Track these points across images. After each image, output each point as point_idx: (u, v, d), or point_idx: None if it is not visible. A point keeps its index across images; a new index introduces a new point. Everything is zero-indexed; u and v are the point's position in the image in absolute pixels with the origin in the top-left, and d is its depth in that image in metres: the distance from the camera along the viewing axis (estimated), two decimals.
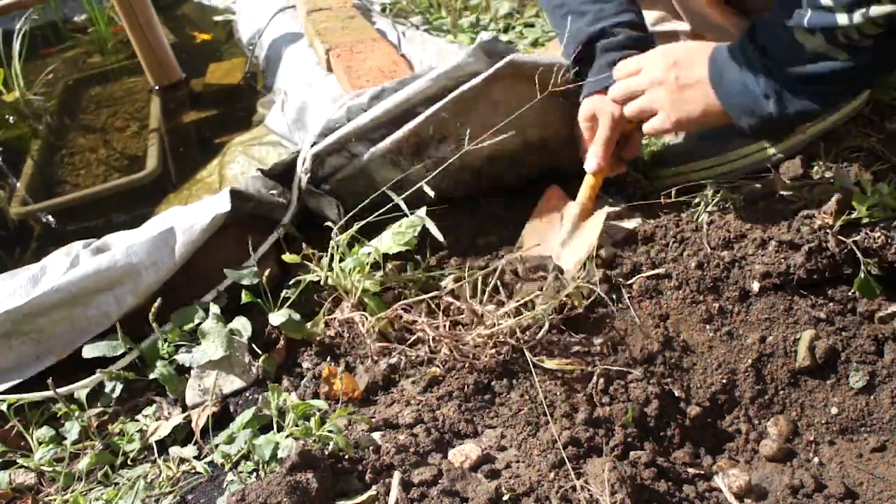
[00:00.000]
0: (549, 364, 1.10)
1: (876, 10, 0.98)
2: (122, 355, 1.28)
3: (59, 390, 1.20)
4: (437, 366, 1.15)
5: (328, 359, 1.22)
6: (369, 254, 1.26)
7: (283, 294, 1.30)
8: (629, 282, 1.25)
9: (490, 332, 1.14)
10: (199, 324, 1.28)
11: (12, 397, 1.23)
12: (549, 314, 1.16)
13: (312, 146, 1.46)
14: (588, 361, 1.14)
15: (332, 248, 1.28)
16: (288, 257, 1.30)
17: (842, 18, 1.01)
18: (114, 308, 1.30)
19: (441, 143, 1.42)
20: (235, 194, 1.37)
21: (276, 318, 1.25)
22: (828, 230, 1.19)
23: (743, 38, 1.17)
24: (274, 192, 1.46)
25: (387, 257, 1.30)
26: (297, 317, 1.26)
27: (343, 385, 1.15)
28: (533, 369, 1.11)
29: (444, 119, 1.39)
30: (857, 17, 1.00)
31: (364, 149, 1.43)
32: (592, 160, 1.36)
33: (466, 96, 1.38)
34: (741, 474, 1.06)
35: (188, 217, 1.35)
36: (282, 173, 1.51)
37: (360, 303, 1.25)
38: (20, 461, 1.17)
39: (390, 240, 1.27)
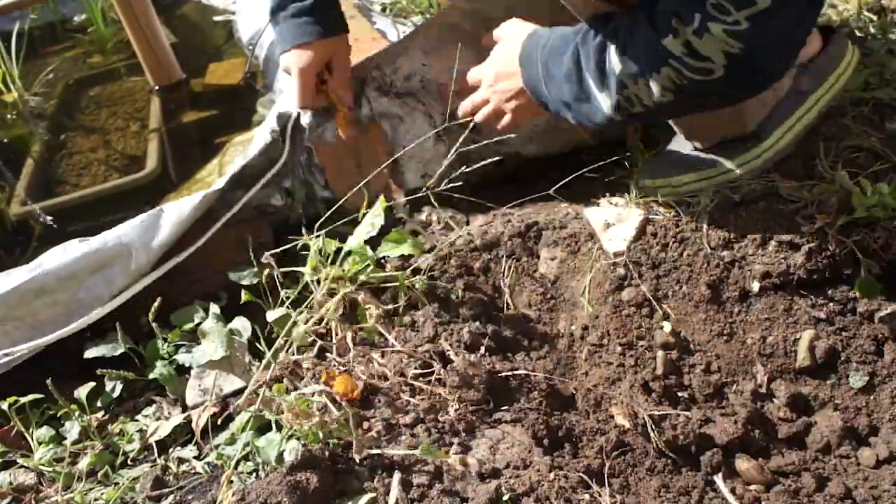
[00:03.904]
0: None
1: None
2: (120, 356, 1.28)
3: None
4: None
5: (327, 359, 1.22)
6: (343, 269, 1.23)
7: (283, 293, 1.29)
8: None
9: None
10: (199, 324, 1.28)
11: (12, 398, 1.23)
12: None
13: None
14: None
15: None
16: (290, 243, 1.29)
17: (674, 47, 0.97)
18: (104, 289, 1.30)
19: (406, 81, 1.54)
20: (231, 181, 1.39)
21: (272, 316, 1.24)
22: (828, 230, 1.19)
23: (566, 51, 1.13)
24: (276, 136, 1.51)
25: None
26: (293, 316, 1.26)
27: (342, 385, 1.15)
28: None
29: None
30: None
31: None
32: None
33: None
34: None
35: (179, 202, 1.38)
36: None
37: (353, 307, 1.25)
38: (20, 461, 1.17)
39: (355, 239, 1.22)
